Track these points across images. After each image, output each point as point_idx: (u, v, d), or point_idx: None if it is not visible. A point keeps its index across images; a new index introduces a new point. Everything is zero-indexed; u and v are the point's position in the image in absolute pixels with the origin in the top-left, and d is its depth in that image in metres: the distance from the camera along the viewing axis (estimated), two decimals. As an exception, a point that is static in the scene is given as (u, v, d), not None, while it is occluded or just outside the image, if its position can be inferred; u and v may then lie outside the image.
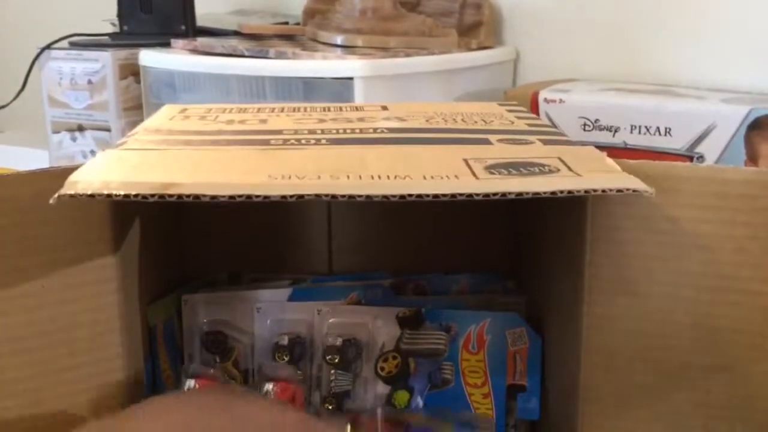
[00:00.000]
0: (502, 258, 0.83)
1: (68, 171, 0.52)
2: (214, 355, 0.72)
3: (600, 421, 0.63)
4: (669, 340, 0.60)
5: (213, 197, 0.47)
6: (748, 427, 0.60)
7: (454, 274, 0.79)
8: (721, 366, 0.60)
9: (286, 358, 0.70)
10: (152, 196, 0.47)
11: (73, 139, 1.32)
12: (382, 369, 0.70)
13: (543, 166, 0.53)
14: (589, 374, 0.63)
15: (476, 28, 1.31)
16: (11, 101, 1.42)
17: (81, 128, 1.31)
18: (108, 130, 1.29)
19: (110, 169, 0.53)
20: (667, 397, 0.61)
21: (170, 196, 0.47)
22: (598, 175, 0.52)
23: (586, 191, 0.49)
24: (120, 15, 1.37)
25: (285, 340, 0.70)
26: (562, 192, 0.48)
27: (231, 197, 0.47)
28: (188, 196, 0.47)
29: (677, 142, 0.99)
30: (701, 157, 0.98)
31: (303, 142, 0.61)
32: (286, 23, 1.42)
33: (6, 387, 0.58)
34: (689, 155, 0.99)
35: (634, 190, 0.49)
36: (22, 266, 0.58)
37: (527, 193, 0.48)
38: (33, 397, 0.59)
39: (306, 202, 0.81)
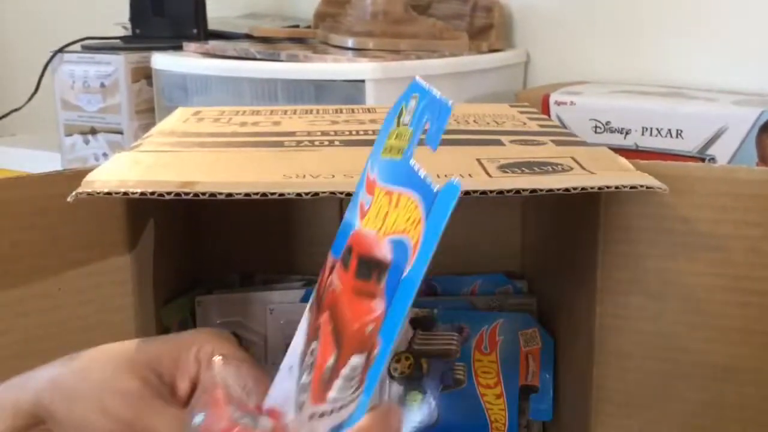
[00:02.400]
0: (513, 259, 0.84)
1: (83, 173, 0.53)
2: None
3: (612, 421, 0.63)
4: (681, 341, 0.60)
5: (229, 195, 0.48)
6: (761, 427, 0.60)
7: (466, 275, 0.79)
8: (733, 366, 0.60)
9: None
10: (168, 194, 0.48)
11: (86, 142, 1.33)
12: (395, 369, 0.71)
13: (556, 165, 0.54)
14: (602, 374, 0.63)
15: (487, 30, 1.31)
16: (24, 104, 1.43)
17: (93, 131, 1.32)
18: (120, 132, 1.29)
19: (126, 170, 0.54)
20: (679, 398, 0.61)
21: (186, 194, 0.48)
22: (612, 173, 0.53)
23: (599, 188, 0.49)
24: (132, 18, 1.38)
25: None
26: (575, 188, 0.49)
27: (247, 195, 0.48)
28: (204, 194, 0.48)
29: (689, 144, 0.99)
30: (713, 159, 0.98)
31: (316, 143, 0.61)
32: (297, 26, 1.42)
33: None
34: (701, 157, 0.99)
35: (648, 187, 0.49)
36: (37, 267, 0.59)
37: (541, 190, 0.48)
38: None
39: (318, 202, 0.81)
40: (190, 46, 1.24)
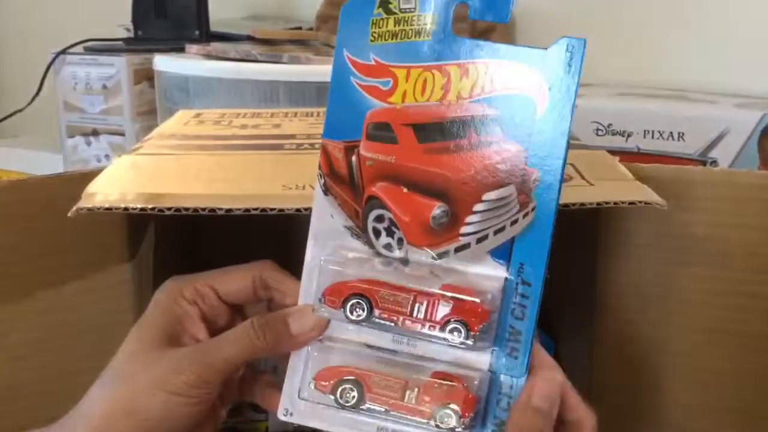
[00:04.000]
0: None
1: (83, 176, 0.53)
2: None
3: (612, 424, 0.63)
4: (681, 344, 0.60)
5: (228, 210, 0.48)
6: (761, 430, 0.60)
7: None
8: (733, 370, 0.60)
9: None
10: (169, 209, 0.48)
11: (88, 144, 1.33)
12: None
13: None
14: (602, 378, 0.63)
15: (489, 32, 1.31)
16: (26, 106, 1.43)
17: (95, 132, 1.32)
18: (122, 134, 1.29)
19: (127, 179, 0.54)
20: (678, 401, 0.61)
21: (186, 209, 0.48)
22: (611, 184, 0.52)
23: (598, 204, 0.49)
24: (135, 20, 1.38)
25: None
26: (574, 205, 0.49)
27: (246, 210, 0.48)
28: (204, 209, 0.48)
29: (690, 147, 0.99)
30: (714, 162, 0.98)
31: (316, 146, 0.61)
32: (300, 28, 1.42)
33: (21, 389, 0.59)
34: (702, 160, 0.98)
35: (646, 203, 0.49)
36: (37, 271, 0.59)
37: None
38: (47, 400, 0.59)
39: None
40: (192, 47, 1.24)
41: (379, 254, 0.48)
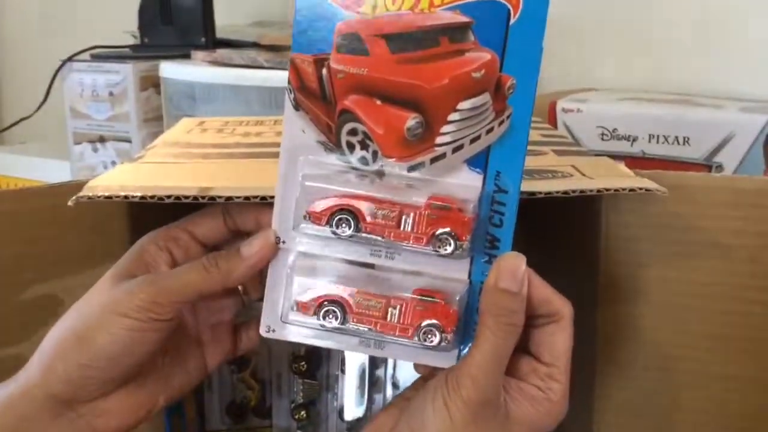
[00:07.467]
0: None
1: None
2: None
3: (614, 430, 0.63)
4: (683, 349, 0.60)
5: (228, 198, 0.48)
6: (764, 436, 0.60)
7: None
8: (735, 375, 0.60)
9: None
10: (168, 197, 0.48)
11: (95, 150, 1.33)
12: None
13: (556, 172, 0.54)
14: (603, 383, 0.63)
15: None
16: (33, 113, 1.44)
17: (102, 139, 1.32)
18: (129, 141, 1.30)
19: (127, 177, 0.54)
20: (682, 407, 0.61)
21: (186, 197, 0.48)
22: (611, 178, 0.52)
23: (598, 190, 0.49)
24: (141, 27, 1.38)
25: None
26: (574, 191, 0.49)
27: (246, 198, 0.48)
28: (203, 197, 0.48)
29: (696, 152, 0.99)
30: (720, 167, 0.98)
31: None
32: (305, 34, 1.42)
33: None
34: (708, 164, 0.98)
35: (646, 189, 0.49)
36: (43, 277, 0.59)
37: (539, 193, 0.48)
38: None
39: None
40: (198, 54, 1.25)
41: (353, 168, 0.48)
